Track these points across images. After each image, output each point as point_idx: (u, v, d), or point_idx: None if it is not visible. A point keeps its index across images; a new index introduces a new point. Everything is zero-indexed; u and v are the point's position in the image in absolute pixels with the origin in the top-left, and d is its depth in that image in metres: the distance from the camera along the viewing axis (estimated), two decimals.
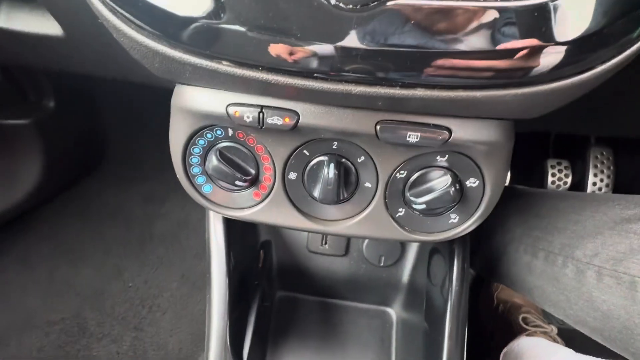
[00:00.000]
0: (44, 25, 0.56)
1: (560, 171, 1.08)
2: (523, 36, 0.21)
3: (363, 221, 0.36)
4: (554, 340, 0.74)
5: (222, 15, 0.22)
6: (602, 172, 1.09)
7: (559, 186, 1.08)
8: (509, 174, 0.90)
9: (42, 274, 1.00)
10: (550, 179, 1.08)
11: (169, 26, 0.24)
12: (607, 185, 1.11)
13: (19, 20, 0.56)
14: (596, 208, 0.43)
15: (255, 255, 0.63)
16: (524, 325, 0.77)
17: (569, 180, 1.08)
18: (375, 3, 0.21)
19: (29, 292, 0.96)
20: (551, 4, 0.21)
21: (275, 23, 0.22)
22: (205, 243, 0.54)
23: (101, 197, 1.20)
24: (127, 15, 0.25)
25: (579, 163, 1.10)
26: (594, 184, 1.09)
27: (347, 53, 0.22)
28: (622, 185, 1.08)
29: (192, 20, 0.23)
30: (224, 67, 0.24)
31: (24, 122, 1.02)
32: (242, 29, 0.22)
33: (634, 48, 0.23)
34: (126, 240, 1.09)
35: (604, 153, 1.09)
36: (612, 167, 1.09)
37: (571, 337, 0.77)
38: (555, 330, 0.76)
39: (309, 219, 0.37)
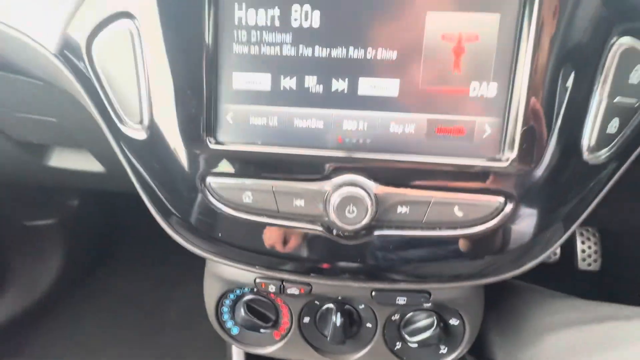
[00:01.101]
0: (88, 164, 0.66)
1: None
2: (474, 252, 0.30)
3: (367, 355, 0.43)
4: None
5: (253, 244, 0.31)
6: (588, 239, 1.17)
7: (549, 257, 1.14)
8: None
9: None
10: None
11: (216, 246, 0.33)
12: (595, 252, 1.17)
13: (67, 161, 0.67)
14: (541, 309, 0.49)
15: None
16: None
17: (558, 250, 1.15)
18: (364, 234, 0.30)
19: None
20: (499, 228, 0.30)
21: (292, 250, 0.31)
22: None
23: (114, 284, 1.25)
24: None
25: None
26: (583, 251, 1.16)
27: (345, 265, 0.31)
28: (610, 247, 1.14)
29: (232, 244, 0.32)
30: (257, 269, 0.33)
31: (49, 222, 1.11)
32: (272, 253, 0.31)
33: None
34: (140, 329, 1.12)
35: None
36: (597, 235, 1.17)
37: None
38: None
39: (321, 354, 0.44)
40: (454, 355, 0.41)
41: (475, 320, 0.41)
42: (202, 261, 0.45)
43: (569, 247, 1.16)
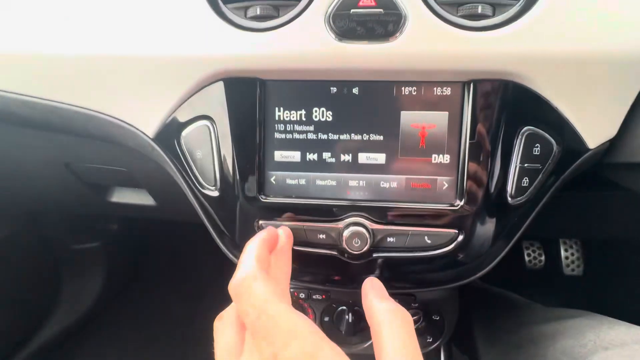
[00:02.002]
0: (142, 199, 0.81)
1: (533, 251, 1.28)
2: (441, 266, 0.45)
3: (372, 344, 0.56)
4: None
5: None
6: (571, 247, 1.29)
7: (535, 264, 1.27)
8: None
9: None
10: (526, 258, 1.28)
11: None
12: (578, 259, 1.29)
13: (125, 197, 0.82)
14: (503, 312, 0.62)
15: None
16: None
17: (543, 258, 1.28)
18: (366, 256, 0.44)
19: None
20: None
21: (317, 267, 0.46)
22: None
23: (146, 298, 1.39)
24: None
25: (551, 241, 1.29)
26: (566, 257, 1.28)
27: (353, 278, 0.46)
28: (592, 253, 1.26)
29: None
30: (292, 282, 0.48)
31: (93, 245, 1.26)
32: (303, 270, 0.46)
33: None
34: (171, 341, 1.25)
35: None
36: (579, 242, 1.29)
37: None
38: None
39: (338, 344, 0.57)
40: (437, 343, 0.56)
41: (451, 317, 0.55)
42: (222, 279, 0.57)
43: (553, 255, 1.28)
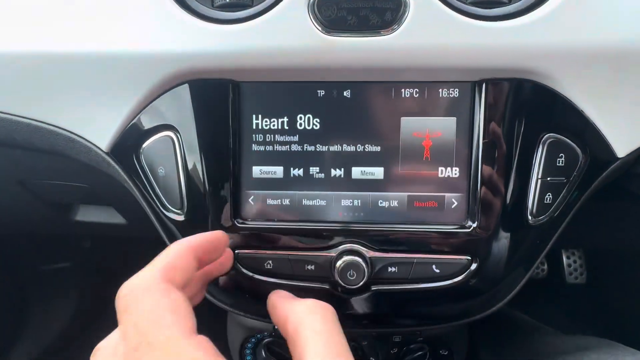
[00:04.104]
0: (111, 217, 0.73)
1: None
2: (451, 299, 0.38)
3: None
4: None
5: None
6: (573, 254, 1.25)
7: (538, 274, 1.23)
8: None
9: None
10: None
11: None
12: (581, 266, 1.25)
13: (91, 215, 0.74)
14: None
15: None
16: None
17: (545, 267, 1.24)
18: (363, 290, 0.37)
19: None
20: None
21: None
22: None
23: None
24: None
25: (553, 249, 1.25)
26: (569, 265, 1.24)
27: (349, 315, 0.39)
28: (595, 261, 1.22)
29: None
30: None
31: (65, 265, 1.16)
32: None
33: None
34: None
35: None
36: (581, 250, 1.25)
37: None
38: None
39: None
40: None
41: (460, 349, 0.48)
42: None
43: (556, 263, 1.24)
